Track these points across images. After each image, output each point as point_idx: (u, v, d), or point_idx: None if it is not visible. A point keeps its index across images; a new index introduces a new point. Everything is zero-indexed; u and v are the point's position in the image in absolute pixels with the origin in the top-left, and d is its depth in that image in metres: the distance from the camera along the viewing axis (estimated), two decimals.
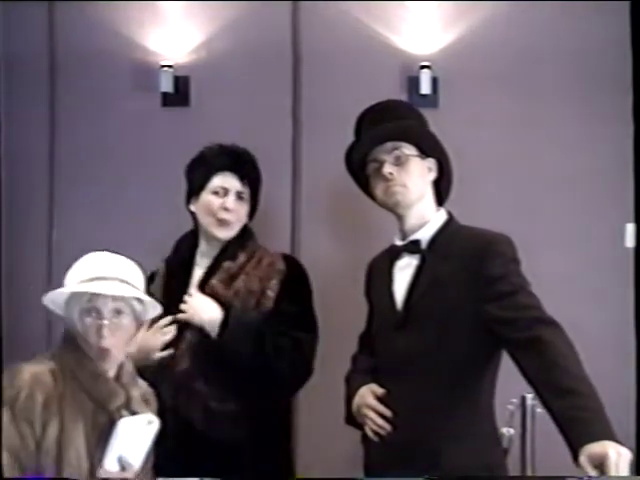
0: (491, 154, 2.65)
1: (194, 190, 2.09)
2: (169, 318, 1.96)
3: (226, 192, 2.04)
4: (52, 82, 2.71)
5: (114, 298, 1.58)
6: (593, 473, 1.35)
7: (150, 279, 2.06)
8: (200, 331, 1.96)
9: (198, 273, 2.08)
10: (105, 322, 1.56)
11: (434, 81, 2.62)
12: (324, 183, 2.61)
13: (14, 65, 2.68)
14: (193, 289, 2.02)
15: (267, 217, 2.41)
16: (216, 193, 2.04)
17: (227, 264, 2.05)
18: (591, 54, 2.63)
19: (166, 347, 1.97)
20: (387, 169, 1.84)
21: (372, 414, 1.79)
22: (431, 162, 1.91)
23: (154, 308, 1.68)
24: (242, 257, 2.06)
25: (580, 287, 2.59)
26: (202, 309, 1.97)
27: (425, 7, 2.65)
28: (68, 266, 2.64)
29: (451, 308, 1.74)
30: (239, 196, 2.06)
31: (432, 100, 2.62)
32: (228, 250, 2.07)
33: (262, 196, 2.20)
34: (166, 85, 2.63)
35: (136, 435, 1.54)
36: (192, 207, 2.11)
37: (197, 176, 2.08)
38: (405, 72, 2.65)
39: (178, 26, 2.69)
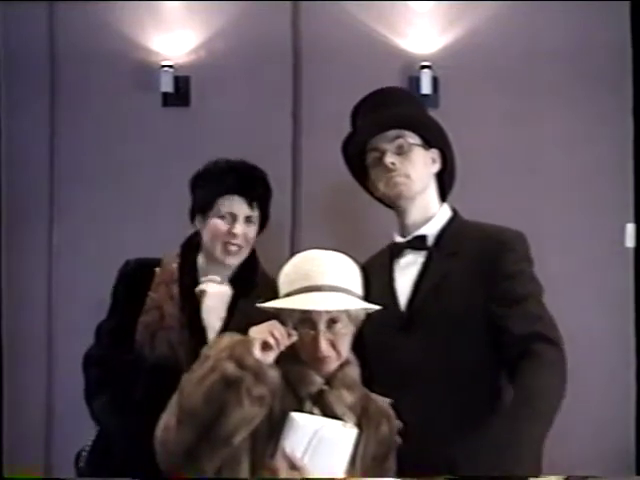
0: (491, 154, 2.64)
1: (199, 209, 1.94)
2: None
3: (234, 218, 1.87)
4: (52, 82, 2.70)
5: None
6: None
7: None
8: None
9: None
10: (321, 334, 1.47)
11: (434, 81, 2.61)
12: (324, 183, 2.60)
13: (14, 65, 2.67)
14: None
15: None
16: (222, 217, 1.88)
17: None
18: (591, 54, 2.62)
19: None
20: (389, 159, 1.73)
21: None
22: (435, 153, 1.80)
23: (369, 307, 1.54)
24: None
25: (580, 287, 2.58)
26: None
27: (425, 7, 2.64)
28: (68, 267, 2.68)
29: (462, 309, 1.62)
30: (248, 220, 1.90)
31: (432, 100, 2.62)
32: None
33: None
34: (166, 85, 2.62)
35: (314, 436, 1.40)
36: (197, 224, 1.96)
37: (202, 195, 1.92)
38: (405, 72, 2.64)
39: (178, 26, 2.68)
